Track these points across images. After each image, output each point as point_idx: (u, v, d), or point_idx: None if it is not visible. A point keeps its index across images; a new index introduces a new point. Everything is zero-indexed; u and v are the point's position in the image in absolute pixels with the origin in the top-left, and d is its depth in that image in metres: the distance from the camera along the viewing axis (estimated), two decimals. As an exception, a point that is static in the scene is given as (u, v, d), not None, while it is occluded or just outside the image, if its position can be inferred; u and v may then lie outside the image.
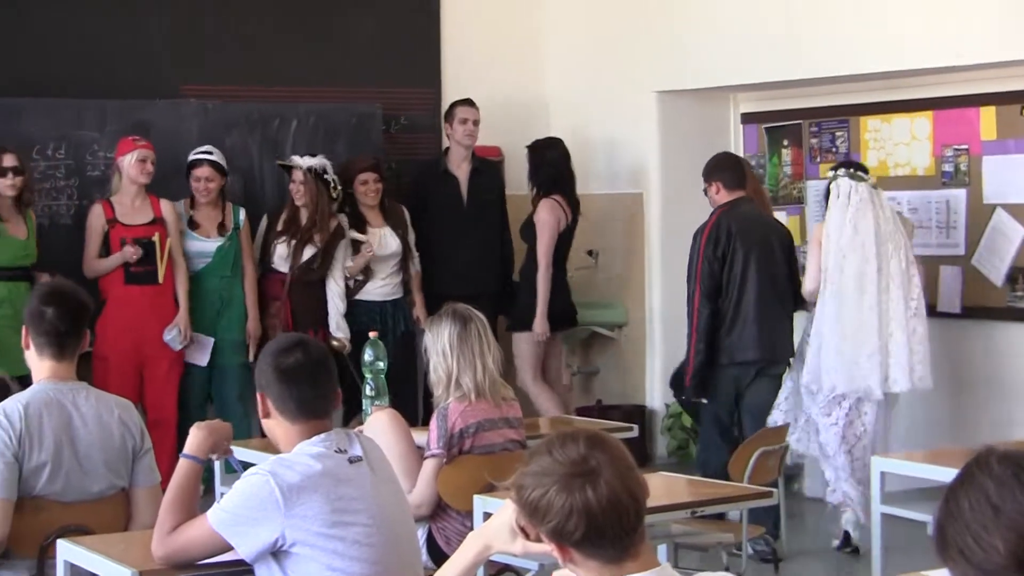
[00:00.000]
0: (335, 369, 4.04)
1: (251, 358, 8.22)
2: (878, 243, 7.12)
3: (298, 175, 8.43)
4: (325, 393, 3.95)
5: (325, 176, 8.46)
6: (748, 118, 9.47)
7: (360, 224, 8.66)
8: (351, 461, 3.92)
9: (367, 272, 8.63)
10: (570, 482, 2.64)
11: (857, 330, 7.12)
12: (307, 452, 3.87)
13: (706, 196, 7.64)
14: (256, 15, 9.18)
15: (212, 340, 8.32)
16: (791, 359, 7.52)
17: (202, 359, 8.32)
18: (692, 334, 7.39)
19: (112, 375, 7.81)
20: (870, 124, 8.65)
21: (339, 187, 8.51)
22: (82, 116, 8.46)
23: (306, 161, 8.47)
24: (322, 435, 3.91)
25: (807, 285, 7.36)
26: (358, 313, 8.61)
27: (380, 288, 8.69)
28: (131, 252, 7.94)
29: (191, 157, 8.30)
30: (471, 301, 5.80)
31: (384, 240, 8.68)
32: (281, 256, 8.47)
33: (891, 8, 7.99)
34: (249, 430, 7.50)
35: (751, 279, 7.33)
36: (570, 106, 9.81)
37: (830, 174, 7.45)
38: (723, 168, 7.64)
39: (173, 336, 8.12)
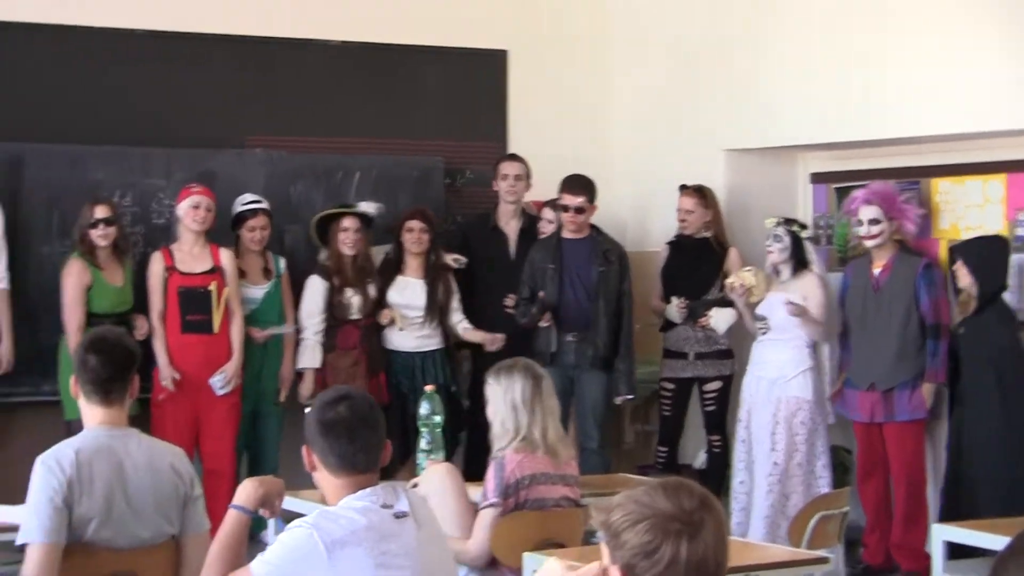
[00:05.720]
0: (382, 423, 3.97)
1: (282, 398, 8.42)
2: None
3: (352, 223, 8.42)
4: (368, 447, 3.89)
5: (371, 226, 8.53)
6: (817, 178, 9.38)
7: (397, 268, 8.60)
8: (396, 516, 3.86)
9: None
10: (669, 526, 2.58)
11: None
12: (352, 506, 3.83)
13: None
14: (324, 67, 9.23)
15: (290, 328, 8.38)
16: None
17: (283, 329, 8.35)
18: None
19: (168, 424, 7.84)
20: (941, 186, 8.54)
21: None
22: (149, 164, 8.51)
23: (370, 207, 8.52)
24: (368, 489, 3.87)
25: None
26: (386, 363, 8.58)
27: (404, 340, 8.57)
28: (167, 376, 7.97)
29: (240, 208, 8.31)
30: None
31: (407, 290, 8.58)
32: (358, 305, 8.43)
33: (964, 69, 7.89)
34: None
35: None
36: (636, 163, 9.77)
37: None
38: None
39: (218, 380, 8.06)
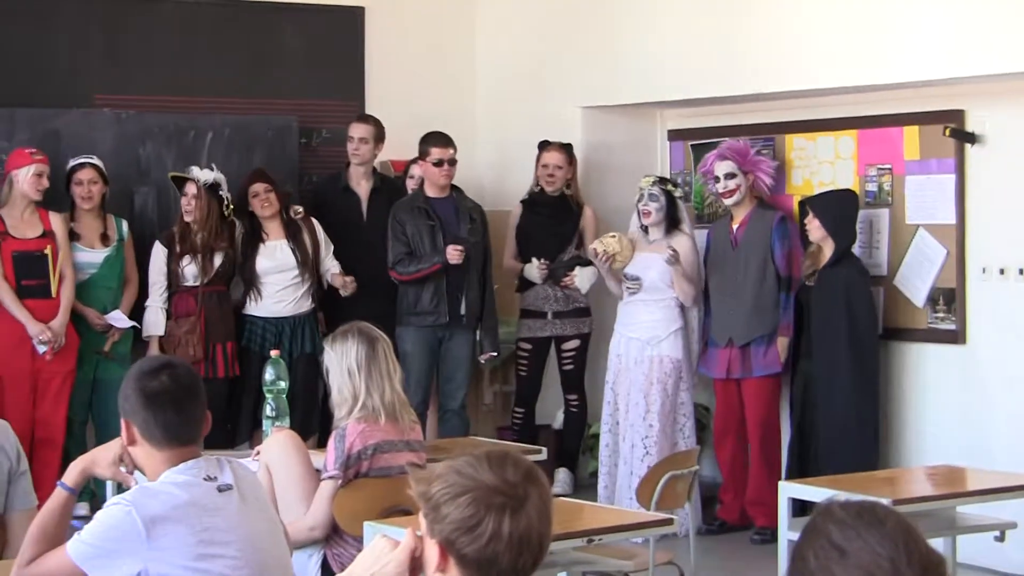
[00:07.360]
0: (204, 393, 3.87)
1: (106, 348, 8.18)
2: None
3: (191, 189, 8.23)
4: (193, 418, 3.78)
5: (220, 192, 8.28)
6: (674, 135, 9.36)
7: (258, 236, 8.43)
8: (220, 489, 3.76)
9: (255, 287, 8.39)
10: (492, 499, 2.48)
11: None
12: (172, 481, 3.72)
13: None
14: (176, 23, 9.01)
15: (123, 316, 8.14)
16: None
17: (124, 322, 8.13)
18: None
19: (7, 393, 7.66)
20: (795, 142, 8.56)
21: (231, 205, 8.32)
22: (-11, 125, 8.23)
23: (204, 174, 8.28)
24: (190, 462, 3.75)
25: None
26: (249, 331, 8.39)
27: (274, 304, 8.41)
28: (39, 334, 7.75)
29: (71, 164, 8.11)
30: (370, 321, 5.65)
31: (276, 253, 8.41)
32: (193, 274, 8.24)
33: (815, 27, 7.89)
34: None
35: None
36: (497, 121, 9.70)
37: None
38: None
39: (38, 337, 7.80)
